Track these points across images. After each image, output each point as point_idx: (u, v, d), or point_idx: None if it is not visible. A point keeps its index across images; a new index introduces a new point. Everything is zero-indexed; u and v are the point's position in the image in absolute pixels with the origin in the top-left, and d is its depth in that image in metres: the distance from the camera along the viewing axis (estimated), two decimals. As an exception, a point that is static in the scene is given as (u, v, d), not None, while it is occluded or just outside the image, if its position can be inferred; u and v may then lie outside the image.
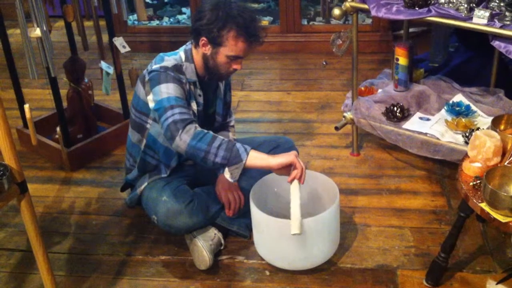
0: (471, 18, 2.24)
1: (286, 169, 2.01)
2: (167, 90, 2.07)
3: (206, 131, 2.00)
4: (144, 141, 2.31)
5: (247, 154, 1.96)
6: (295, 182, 2.02)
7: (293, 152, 2.03)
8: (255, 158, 1.97)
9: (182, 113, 2.01)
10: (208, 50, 2.14)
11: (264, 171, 2.26)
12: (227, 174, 1.98)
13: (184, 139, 1.96)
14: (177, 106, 2.03)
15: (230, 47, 2.10)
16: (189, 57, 2.20)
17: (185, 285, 2.16)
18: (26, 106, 2.02)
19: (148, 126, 2.28)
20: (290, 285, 2.13)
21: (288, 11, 3.99)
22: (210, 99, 2.35)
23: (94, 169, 2.88)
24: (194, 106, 2.21)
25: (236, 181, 2.07)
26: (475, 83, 2.88)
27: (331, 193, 2.19)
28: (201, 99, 2.26)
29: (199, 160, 1.99)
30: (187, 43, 2.24)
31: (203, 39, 2.12)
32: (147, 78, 2.14)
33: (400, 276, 2.14)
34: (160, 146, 2.28)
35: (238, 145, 1.98)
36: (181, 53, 2.22)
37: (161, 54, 2.21)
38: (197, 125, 2.02)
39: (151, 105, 2.11)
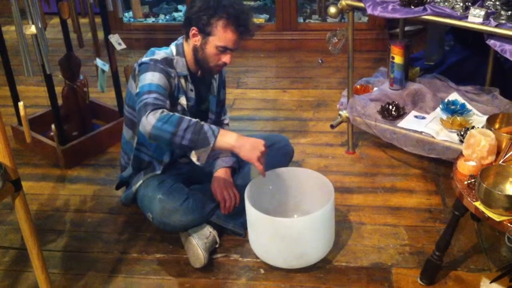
0: (466, 17, 2.24)
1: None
2: (152, 77, 2.07)
3: (172, 113, 1.96)
4: (136, 137, 2.31)
5: (215, 137, 1.94)
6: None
7: (259, 148, 1.99)
8: (223, 142, 1.96)
9: (156, 99, 1.99)
10: (198, 41, 2.15)
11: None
12: (193, 157, 1.96)
13: (150, 120, 1.92)
14: (155, 92, 2.01)
15: (219, 36, 2.11)
16: (180, 51, 2.21)
17: (180, 283, 2.16)
18: (21, 104, 2.02)
19: None
20: (284, 283, 2.13)
21: (284, 9, 3.99)
22: (203, 95, 2.35)
23: (89, 167, 2.87)
24: (183, 101, 2.21)
25: (203, 164, 2.01)
26: (471, 81, 2.88)
27: (326, 191, 2.19)
28: (193, 94, 2.26)
29: (166, 143, 1.96)
30: (179, 38, 2.26)
31: (194, 29, 2.14)
32: (137, 70, 2.15)
33: (395, 274, 2.14)
34: None
35: (206, 127, 1.95)
36: (172, 47, 2.24)
37: (152, 48, 2.23)
38: (167, 111, 1.97)
39: (135, 92, 2.10)
